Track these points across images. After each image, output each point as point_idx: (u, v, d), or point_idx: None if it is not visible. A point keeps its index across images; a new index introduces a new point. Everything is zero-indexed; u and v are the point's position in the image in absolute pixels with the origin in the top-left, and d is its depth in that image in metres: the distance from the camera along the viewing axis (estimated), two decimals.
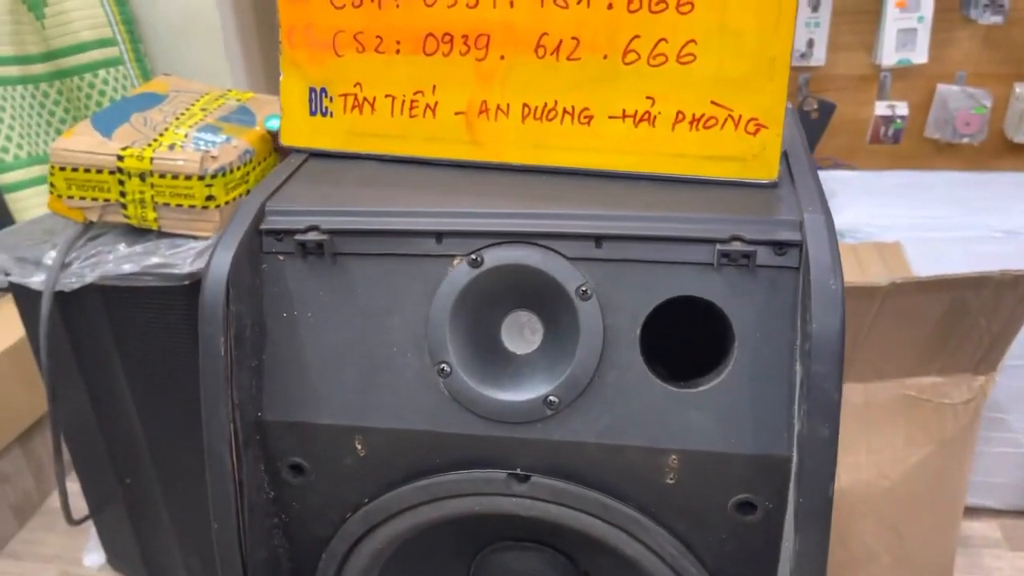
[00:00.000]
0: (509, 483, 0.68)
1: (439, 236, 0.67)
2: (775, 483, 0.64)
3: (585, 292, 0.65)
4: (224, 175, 0.91)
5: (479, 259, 0.67)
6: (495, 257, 0.67)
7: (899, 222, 2.18)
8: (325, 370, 0.69)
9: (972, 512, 1.97)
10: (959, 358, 1.43)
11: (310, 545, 0.75)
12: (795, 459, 0.63)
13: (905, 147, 2.60)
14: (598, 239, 0.65)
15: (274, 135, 1.02)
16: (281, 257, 0.70)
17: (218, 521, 0.68)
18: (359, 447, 0.69)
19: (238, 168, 0.96)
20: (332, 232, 0.68)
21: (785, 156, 0.71)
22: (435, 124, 0.75)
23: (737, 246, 0.63)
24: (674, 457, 0.65)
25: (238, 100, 1.13)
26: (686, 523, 0.68)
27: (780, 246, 0.63)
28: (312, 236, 0.68)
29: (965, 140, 2.52)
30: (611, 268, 0.65)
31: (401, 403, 0.68)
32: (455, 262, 0.67)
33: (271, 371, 0.70)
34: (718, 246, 0.63)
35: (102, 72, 1.57)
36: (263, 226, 0.69)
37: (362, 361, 0.69)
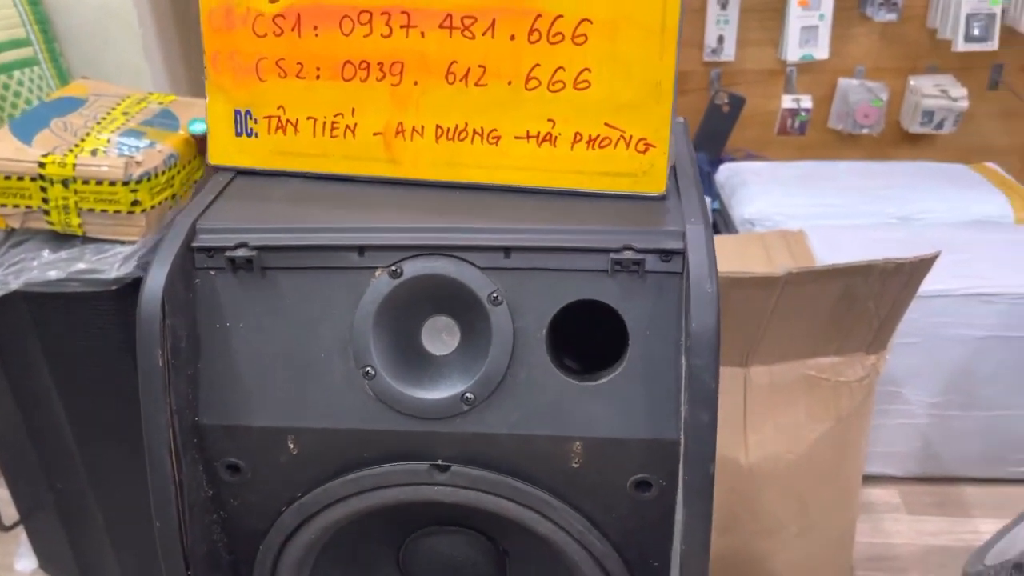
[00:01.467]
0: (431, 473, 0.75)
1: (361, 250, 0.73)
2: (667, 463, 0.73)
3: (496, 298, 0.72)
4: (149, 180, 0.95)
5: (399, 270, 0.73)
6: (414, 268, 0.73)
7: (804, 211, 2.32)
8: (258, 376, 0.75)
9: (873, 480, 2.12)
10: (853, 340, 1.55)
11: (248, 538, 0.80)
12: (682, 442, 0.71)
13: (810, 138, 2.75)
14: (507, 250, 0.72)
15: (198, 139, 1.05)
16: (213, 272, 0.75)
17: (160, 520, 0.73)
18: (292, 446, 0.75)
19: (163, 172, 0.99)
20: (260, 248, 0.74)
21: (673, 170, 0.79)
22: (355, 144, 0.81)
23: (628, 255, 0.71)
24: (578, 444, 0.73)
25: (160, 104, 1.16)
26: (591, 502, 0.75)
27: (666, 254, 0.71)
28: (241, 252, 0.74)
29: (865, 131, 2.68)
30: (519, 276, 0.73)
31: (330, 404, 0.74)
32: (376, 273, 0.74)
33: (206, 378, 0.75)
34: (612, 255, 0.71)
35: (17, 73, 1.56)
36: (195, 244, 0.74)
37: (292, 367, 0.75)
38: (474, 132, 0.78)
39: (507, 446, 0.74)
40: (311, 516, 0.78)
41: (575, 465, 0.74)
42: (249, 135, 0.83)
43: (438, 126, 0.79)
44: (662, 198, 0.77)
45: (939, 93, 2.54)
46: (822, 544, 1.70)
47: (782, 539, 1.66)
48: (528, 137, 0.77)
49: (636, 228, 0.72)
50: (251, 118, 0.82)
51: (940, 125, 2.59)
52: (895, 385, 2.00)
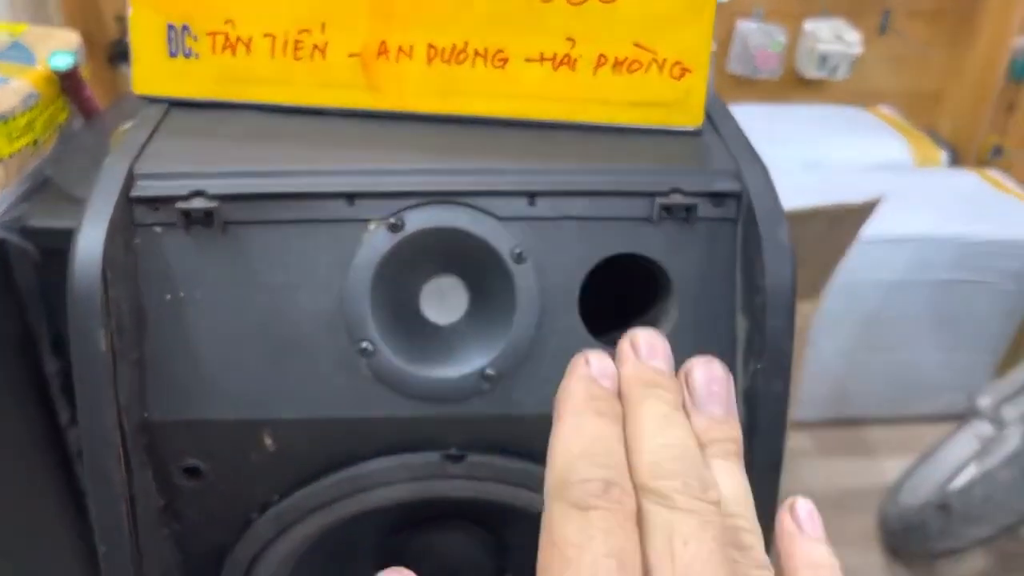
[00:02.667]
0: (444, 464, 0.63)
1: (351, 197, 0.59)
2: None
3: (520, 255, 0.60)
4: (5, 123, 0.78)
5: (399, 223, 0.59)
6: (418, 220, 0.60)
7: None
8: (223, 358, 0.60)
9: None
10: (798, 282, 1.51)
11: (208, 555, 0.66)
12: (741, 414, 0.62)
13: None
14: (531, 195, 0.60)
15: (61, 76, 0.89)
16: (159, 229, 0.59)
17: (106, 544, 0.58)
18: (268, 441, 0.61)
19: (21, 114, 0.82)
20: (221, 198, 0.58)
21: (707, 104, 0.69)
22: (325, 67, 0.66)
23: (677, 199, 0.60)
24: None
25: (10, 35, 0.96)
26: None
27: (718, 197, 0.61)
28: (197, 203, 0.58)
29: (763, 75, 2.66)
30: (546, 227, 0.60)
31: (317, 389, 0.60)
32: (371, 227, 0.60)
33: (156, 364, 0.59)
34: (658, 199, 0.60)
35: None
36: (134, 193, 0.58)
37: (266, 345, 0.60)
38: (476, 53, 0.64)
39: (532, 428, 0.62)
40: (291, 524, 0.64)
41: None
42: (187, 56, 0.66)
43: (431, 45, 0.65)
44: (698, 133, 0.66)
45: (834, 38, 2.55)
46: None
47: None
48: (543, 59, 0.64)
49: (685, 168, 0.61)
50: (190, 34, 0.65)
51: (834, 70, 2.61)
52: (810, 333, 2.01)
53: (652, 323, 0.63)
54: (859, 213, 1.39)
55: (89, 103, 1.39)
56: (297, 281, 0.60)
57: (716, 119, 0.67)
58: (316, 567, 0.71)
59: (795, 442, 2.12)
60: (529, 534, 0.71)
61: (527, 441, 0.63)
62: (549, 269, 0.61)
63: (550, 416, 0.61)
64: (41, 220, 1.18)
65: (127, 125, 0.76)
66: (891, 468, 1.99)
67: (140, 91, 0.67)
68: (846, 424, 2.14)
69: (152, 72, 0.67)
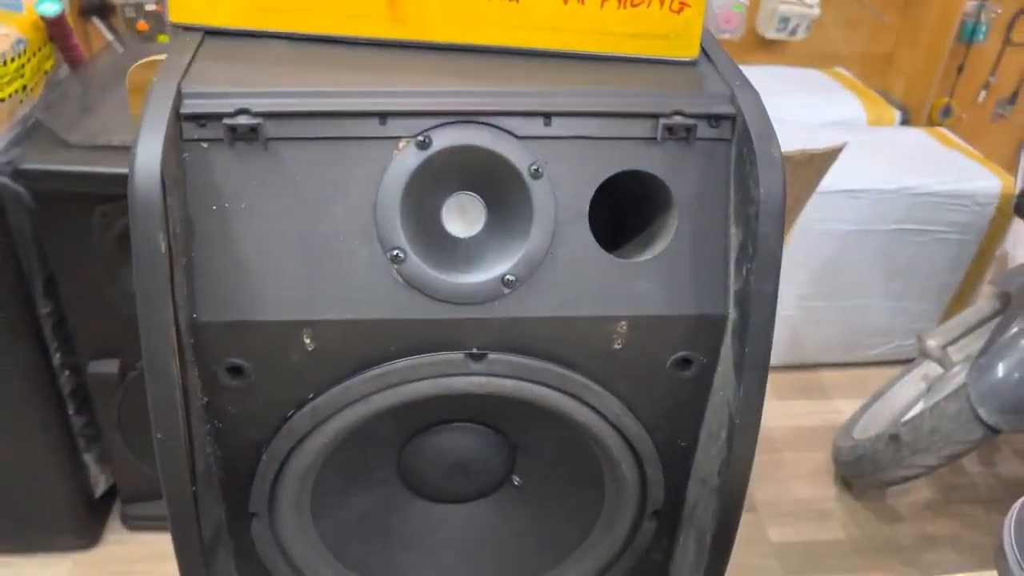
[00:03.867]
0: (466, 362, 0.69)
1: (383, 117, 0.65)
2: (710, 340, 0.71)
3: (537, 171, 0.66)
4: None
5: (427, 140, 0.65)
6: (444, 138, 0.65)
7: None
8: (265, 264, 0.65)
9: None
10: None
11: (248, 448, 0.72)
12: (731, 315, 0.69)
13: None
14: (548, 116, 0.66)
15: (49, 22, 0.91)
16: (206, 145, 0.64)
17: (162, 431, 0.63)
18: (308, 341, 0.67)
19: (12, 60, 0.85)
20: (265, 115, 0.63)
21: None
22: (352, 0, 0.70)
23: (679, 120, 0.66)
24: (623, 324, 0.69)
25: None
26: (628, 384, 0.72)
27: (715, 119, 0.67)
28: (242, 120, 0.63)
29: (726, 35, 2.73)
30: (560, 145, 0.67)
31: (353, 293, 0.66)
32: (401, 144, 0.65)
33: (203, 269, 0.65)
34: (662, 120, 0.66)
35: None
36: (184, 110, 0.63)
37: (306, 253, 0.66)
38: None
39: (548, 330, 0.69)
40: (326, 418, 0.70)
41: (617, 346, 0.70)
42: None
43: None
44: (694, 63, 0.73)
45: (795, 0, 2.62)
46: None
47: None
48: None
49: (685, 93, 0.68)
50: None
51: (794, 31, 2.69)
52: None
53: (655, 234, 0.70)
54: (823, 159, 1.47)
55: (76, 51, 1.40)
56: (334, 194, 0.65)
57: (710, 51, 0.74)
58: (344, 465, 0.77)
59: None
60: (536, 437, 0.78)
61: (542, 342, 0.70)
62: (563, 184, 0.67)
63: (563, 319, 0.68)
64: (34, 163, 1.21)
65: (156, 57, 0.80)
66: (844, 409, 2.10)
67: (176, 19, 0.71)
68: (802, 368, 2.25)
69: (187, 2, 0.71)
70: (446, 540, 0.84)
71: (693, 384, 0.73)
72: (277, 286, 0.66)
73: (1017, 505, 0.64)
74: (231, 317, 0.65)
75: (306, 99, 0.64)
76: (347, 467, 0.78)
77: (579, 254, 0.68)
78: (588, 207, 0.68)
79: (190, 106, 0.63)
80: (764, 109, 0.67)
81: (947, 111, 2.89)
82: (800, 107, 2.45)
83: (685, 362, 0.72)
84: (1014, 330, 1.62)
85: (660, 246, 0.69)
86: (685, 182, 0.68)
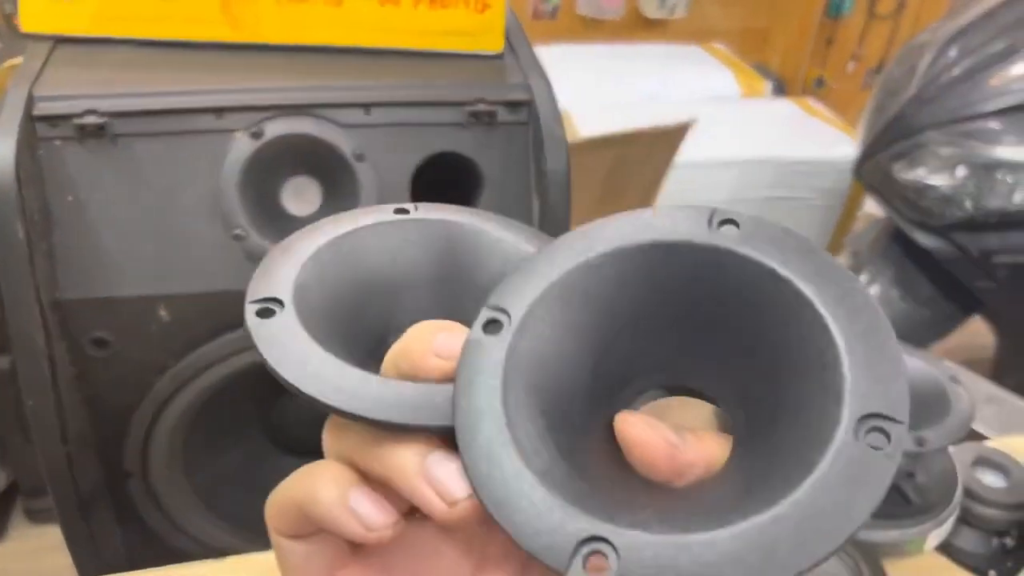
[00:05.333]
0: None
1: (219, 112, 0.74)
2: None
3: (360, 155, 0.76)
4: None
5: (260, 131, 0.74)
6: (275, 129, 0.75)
7: (564, 94, 2.47)
8: (121, 246, 0.74)
9: None
10: (624, 205, 1.72)
11: (118, 413, 0.80)
12: None
13: (561, 23, 2.90)
14: (367, 106, 0.76)
15: None
16: (58, 143, 0.72)
17: (32, 398, 0.71)
18: (163, 313, 0.76)
19: None
20: (111, 114, 0.72)
21: (508, 32, 0.86)
22: (190, 6, 0.79)
23: (482, 107, 0.77)
24: None
25: None
26: None
27: (513, 105, 0.78)
28: (91, 119, 0.71)
29: (609, 16, 2.86)
30: (379, 132, 0.77)
31: (201, 268, 0.75)
32: (236, 136, 0.74)
33: (64, 253, 0.73)
34: (467, 108, 0.77)
35: None
36: (36, 112, 0.71)
37: (158, 235, 0.74)
38: None
39: None
40: (187, 381, 0.79)
41: None
42: None
43: None
44: (500, 56, 0.83)
45: None
46: None
47: None
48: None
49: (486, 82, 0.78)
50: None
51: (673, 10, 2.83)
52: None
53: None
54: (674, 134, 1.60)
55: None
56: (179, 182, 0.74)
57: (514, 44, 0.85)
58: (214, 424, 0.86)
59: None
60: None
61: None
62: (384, 166, 0.77)
63: None
64: None
65: (14, 61, 0.87)
66: None
67: (28, 29, 0.79)
68: None
69: (38, 12, 0.78)
70: None
71: None
72: (132, 265, 0.74)
73: None
74: (92, 294, 0.74)
75: (148, 98, 0.73)
76: (217, 427, 0.87)
77: None
78: (409, 185, 0.78)
79: (42, 108, 0.71)
80: (553, 95, 0.78)
81: (820, 82, 3.07)
82: (678, 83, 2.58)
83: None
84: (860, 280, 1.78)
85: None
86: (491, 160, 0.79)
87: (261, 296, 0.28)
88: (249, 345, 0.70)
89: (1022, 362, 1.71)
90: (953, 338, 1.77)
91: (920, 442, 0.65)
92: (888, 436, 0.20)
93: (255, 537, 0.86)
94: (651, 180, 1.69)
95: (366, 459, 0.24)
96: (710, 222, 0.24)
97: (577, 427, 0.25)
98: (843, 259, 2.00)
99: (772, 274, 0.23)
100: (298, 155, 0.76)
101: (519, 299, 0.24)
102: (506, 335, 0.23)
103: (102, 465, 0.82)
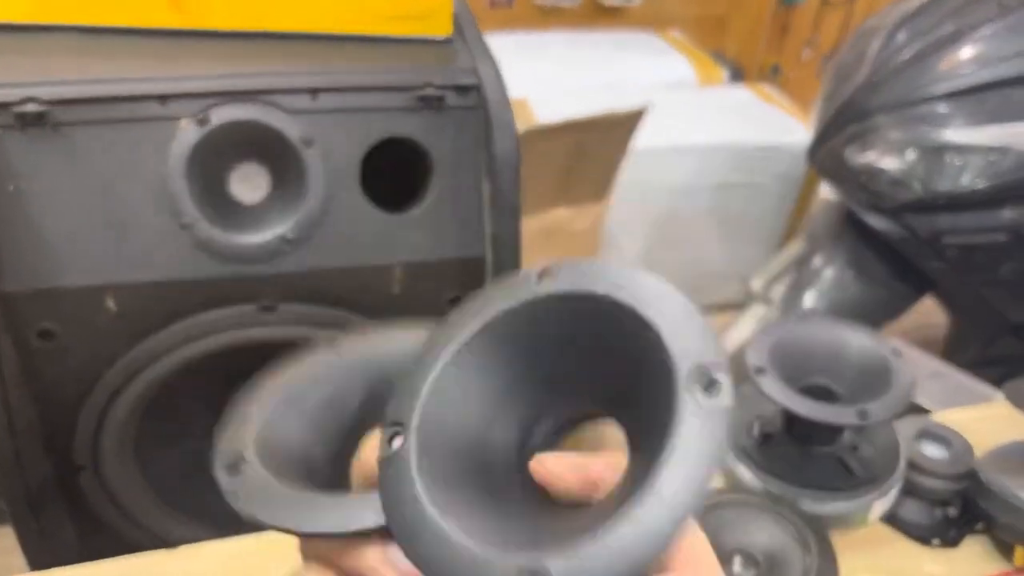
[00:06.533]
0: (260, 314, 0.78)
1: (163, 99, 0.73)
2: (476, 279, 0.82)
3: (307, 140, 0.76)
4: None
5: (205, 118, 0.74)
6: (221, 115, 0.74)
7: (521, 81, 2.47)
8: (66, 236, 0.73)
9: None
10: (582, 191, 1.74)
11: (67, 405, 0.79)
12: (489, 256, 0.81)
13: (517, 11, 2.89)
14: (314, 91, 0.75)
15: None
16: None
17: None
18: (111, 303, 0.75)
19: None
20: (51, 102, 0.71)
21: (456, 17, 0.86)
22: None
23: (430, 91, 0.77)
24: (397, 269, 0.80)
25: None
26: None
27: (462, 89, 0.78)
28: (30, 108, 0.70)
29: (565, 4, 2.86)
30: (327, 117, 0.76)
31: (149, 257, 0.74)
32: (182, 123, 0.74)
33: (6, 244, 0.72)
34: (416, 92, 0.77)
35: None
36: None
37: (103, 223, 0.73)
38: None
39: (332, 280, 0.79)
40: (137, 371, 0.78)
41: (396, 291, 0.81)
42: None
43: None
44: (449, 41, 0.83)
45: None
46: None
47: None
48: None
49: (434, 66, 0.78)
50: None
51: None
52: (612, 236, 2.25)
53: (425, 194, 0.81)
54: (629, 120, 1.61)
55: None
56: (124, 170, 0.73)
57: (464, 29, 0.85)
58: (167, 416, 0.86)
59: None
60: None
61: (328, 291, 0.80)
62: (333, 152, 0.77)
63: (343, 269, 0.78)
64: None
65: None
66: None
67: None
68: None
69: None
70: None
71: None
72: (78, 255, 0.73)
73: None
74: (36, 285, 0.73)
75: (91, 86, 0.72)
76: (170, 419, 0.86)
77: (353, 211, 0.78)
78: (358, 170, 0.77)
79: None
80: (502, 80, 0.78)
81: (776, 70, 3.11)
82: (635, 70, 2.60)
83: (458, 300, 0.83)
84: (815, 264, 1.81)
85: (425, 201, 0.80)
86: (441, 145, 0.79)
87: (226, 455, 0.35)
88: (198, 334, 0.70)
89: (972, 341, 1.75)
90: (907, 318, 1.81)
91: (863, 415, 0.66)
92: (717, 382, 0.25)
93: (210, 528, 0.85)
94: (609, 166, 1.70)
95: (343, 560, 0.31)
96: (538, 278, 0.30)
97: (503, 478, 0.30)
98: (798, 243, 2.03)
99: (592, 296, 0.28)
100: (245, 142, 0.76)
101: (409, 405, 0.30)
102: (409, 438, 0.29)
103: (52, 459, 0.81)
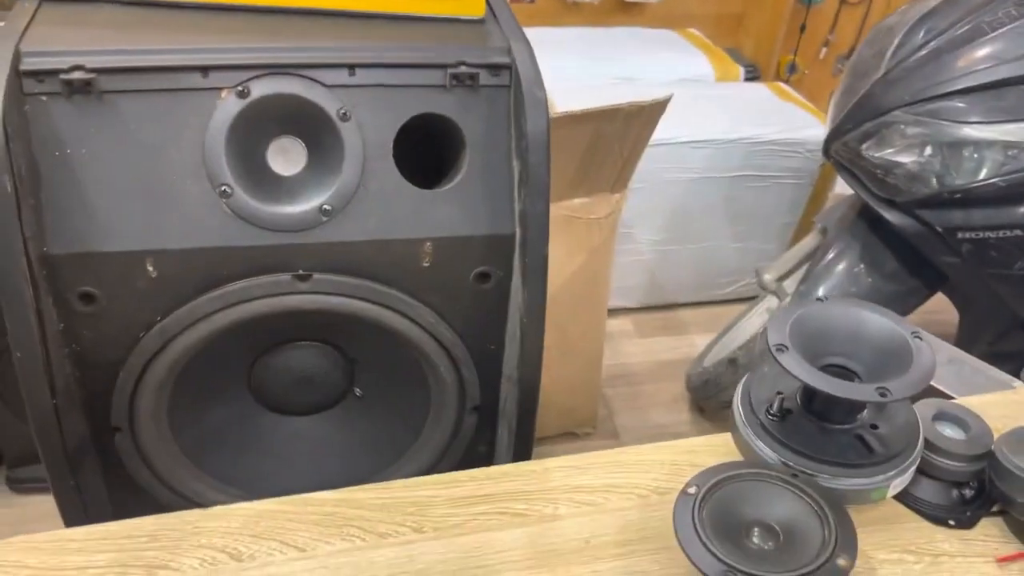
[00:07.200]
0: (294, 283, 0.80)
1: (205, 70, 0.75)
2: (504, 255, 0.84)
3: (345, 114, 0.78)
4: None
5: (246, 90, 0.76)
6: (261, 88, 0.76)
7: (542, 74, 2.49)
8: (109, 201, 0.75)
9: (612, 312, 2.42)
10: (600, 180, 1.75)
11: (105, 367, 0.81)
12: (518, 234, 0.83)
13: (540, 6, 2.91)
14: (351, 67, 0.77)
15: None
16: (45, 98, 0.73)
17: (20, 351, 0.72)
18: (151, 269, 0.77)
19: None
20: (98, 70, 0.73)
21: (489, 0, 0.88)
22: None
23: (463, 69, 0.79)
24: (428, 244, 0.82)
25: None
26: (439, 296, 0.85)
27: (495, 68, 0.80)
28: (78, 75, 0.72)
29: None
30: (364, 93, 0.78)
31: (188, 225, 0.77)
32: (223, 94, 0.76)
33: (51, 207, 0.74)
34: (449, 70, 0.79)
35: None
36: (23, 67, 0.71)
37: (145, 191, 0.75)
38: None
39: (364, 252, 0.81)
40: (174, 336, 0.80)
41: (425, 264, 0.83)
42: None
43: None
44: (481, 21, 0.85)
45: None
46: (578, 365, 1.94)
47: (546, 363, 1.87)
48: None
49: (468, 45, 0.80)
50: None
51: None
52: (626, 227, 2.27)
53: (457, 170, 0.83)
54: (652, 110, 1.62)
55: None
56: (166, 139, 0.75)
57: (496, 10, 0.87)
58: (199, 383, 0.88)
59: (618, 325, 2.41)
60: (370, 352, 0.90)
61: (360, 263, 0.82)
62: (369, 126, 0.79)
63: (375, 242, 0.80)
64: None
65: None
66: (700, 343, 2.30)
67: None
68: (661, 308, 2.44)
69: None
70: (297, 448, 0.96)
71: (494, 294, 0.86)
72: (120, 220, 0.75)
73: (745, 376, 0.80)
74: (79, 249, 0.75)
75: (135, 56, 0.74)
76: (202, 385, 0.89)
77: (386, 186, 0.80)
78: (392, 145, 0.79)
79: (29, 63, 0.72)
80: (535, 59, 0.80)
81: (793, 67, 3.11)
82: (653, 66, 2.61)
83: (484, 276, 0.85)
84: (828, 257, 1.82)
85: (456, 177, 0.81)
86: (473, 123, 0.81)
87: None
88: (235, 300, 0.72)
89: (982, 335, 1.77)
90: (916, 313, 1.82)
91: (883, 393, 0.68)
92: None
93: (240, 493, 0.88)
94: (628, 156, 1.71)
95: None
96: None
97: None
98: (811, 237, 2.04)
99: None
100: (284, 114, 0.78)
101: None
102: None
103: (89, 420, 0.84)
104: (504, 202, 0.82)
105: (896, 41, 1.66)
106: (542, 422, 1.99)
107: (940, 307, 1.78)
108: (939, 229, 1.60)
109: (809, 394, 0.75)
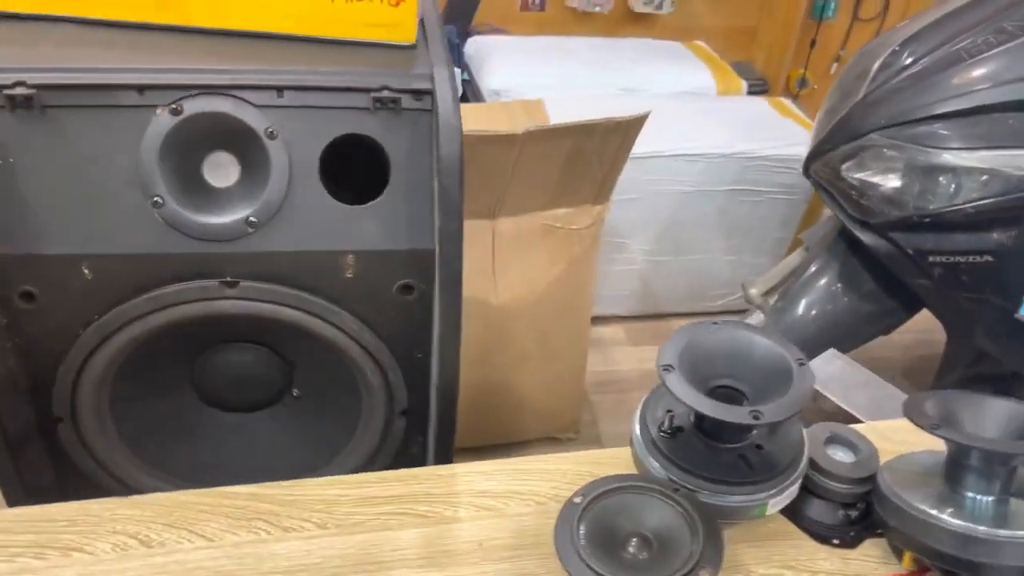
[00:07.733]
0: (222, 288, 0.86)
1: (141, 89, 0.80)
2: (426, 269, 0.89)
3: (272, 133, 0.83)
4: None
5: (179, 108, 0.81)
6: (193, 106, 0.81)
7: (544, 82, 2.53)
8: (48, 208, 0.81)
9: (603, 320, 2.45)
10: (581, 192, 1.78)
11: (46, 361, 0.87)
12: (437, 249, 0.87)
13: (550, 15, 2.96)
14: (280, 89, 0.82)
15: None
16: None
17: None
18: (86, 271, 0.83)
19: None
20: (39, 87, 0.78)
21: (422, 23, 0.92)
22: None
23: (386, 93, 0.83)
24: (350, 256, 0.87)
25: None
26: (364, 306, 0.90)
27: (417, 93, 0.84)
28: (20, 91, 0.78)
29: (597, 9, 2.91)
30: (291, 113, 0.83)
31: (122, 232, 0.82)
32: (158, 111, 0.81)
33: None
34: (372, 94, 0.83)
35: None
36: None
37: (83, 199, 0.81)
38: None
39: (287, 262, 0.86)
40: (110, 334, 0.86)
41: (349, 275, 0.88)
42: None
43: None
44: (413, 47, 0.89)
45: None
46: (561, 371, 1.98)
47: (529, 368, 1.91)
48: None
49: (392, 70, 0.85)
50: None
51: (660, 5, 2.88)
52: (619, 237, 2.30)
53: (380, 188, 0.87)
54: (628, 126, 1.66)
55: None
56: (103, 152, 0.81)
57: (429, 36, 0.91)
58: (141, 376, 0.94)
59: (609, 333, 2.44)
60: (306, 354, 0.95)
61: (286, 272, 0.87)
62: (295, 144, 0.84)
63: (299, 252, 0.84)
64: None
65: None
66: None
67: None
68: (653, 318, 2.47)
69: None
70: (237, 442, 1.01)
71: (419, 305, 0.91)
72: (58, 226, 0.81)
73: (645, 395, 0.84)
74: (20, 251, 0.81)
75: (75, 73, 0.79)
76: (145, 380, 0.94)
77: (311, 201, 0.85)
78: (319, 163, 0.84)
79: None
80: (455, 85, 0.84)
81: (803, 82, 3.12)
82: (658, 76, 2.64)
83: (408, 288, 0.90)
84: (807, 275, 1.84)
85: (381, 196, 0.86)
86: (397, 144, 0.85)
87: None
88: (166, 304, 0.77)
89: (959, 359, 1.77)
90: (908, 334, 1.82)
91: (756, 416, 0.71)
92: None
93: (180, 483, 0.93)
94: (608, 169, 1.74)
95: None
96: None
97: None
98: (797, 253, 2.06)
99: None
100: (215, 131, 0.83)
101: None
102: None
103: (33, 409, 0.90)
104: (425, 219, 0.87)
105: (877, 64, 1.68)
106: (522, 426, 2.04)
107: (934, 327, 1.78)
108: (910, 252, 1.61)
109: (699, 414, 0.79)
